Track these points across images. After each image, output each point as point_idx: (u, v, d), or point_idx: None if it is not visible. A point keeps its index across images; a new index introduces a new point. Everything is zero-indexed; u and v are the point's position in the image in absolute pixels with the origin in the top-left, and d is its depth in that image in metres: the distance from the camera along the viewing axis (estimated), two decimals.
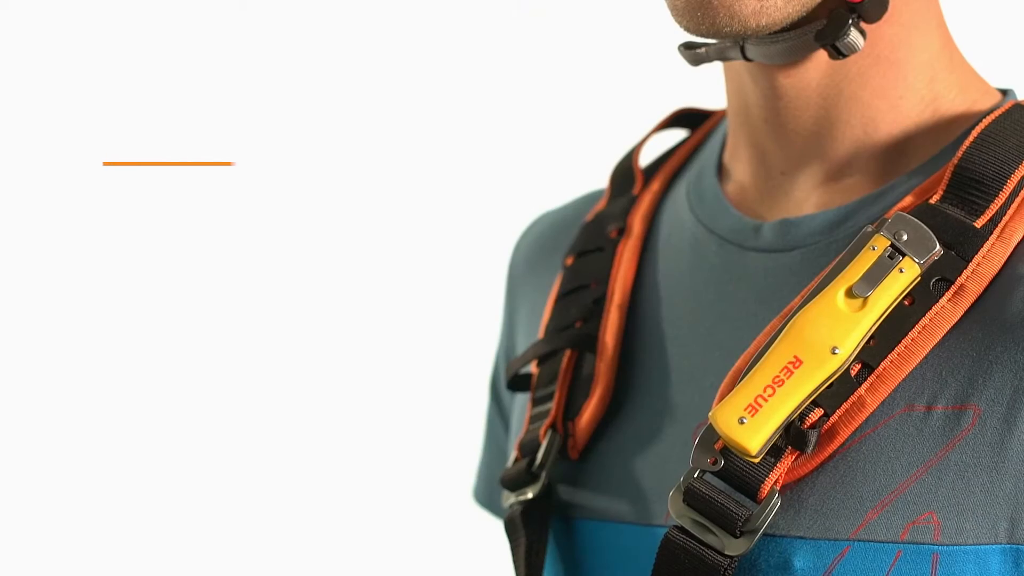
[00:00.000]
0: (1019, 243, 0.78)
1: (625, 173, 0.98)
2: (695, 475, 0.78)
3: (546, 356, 0.92)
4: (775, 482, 0.76)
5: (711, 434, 0.77)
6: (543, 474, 0.88)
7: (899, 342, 0.76)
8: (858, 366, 0.77)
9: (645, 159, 1.00)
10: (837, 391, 0.76)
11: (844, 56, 0.80)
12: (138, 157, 1.28)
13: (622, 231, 0.94)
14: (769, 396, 0.75)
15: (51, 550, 1.72)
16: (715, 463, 0.77)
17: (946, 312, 0.76)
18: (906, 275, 0.77)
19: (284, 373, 1.75)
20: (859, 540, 0.75)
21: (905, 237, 0.77)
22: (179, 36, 1.66)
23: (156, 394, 1.73)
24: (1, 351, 1.70)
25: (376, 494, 1.76)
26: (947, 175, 0.79)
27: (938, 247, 0.77)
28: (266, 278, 1.71)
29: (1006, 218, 0.77)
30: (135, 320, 1.71)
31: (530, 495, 0.88)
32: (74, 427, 1.71)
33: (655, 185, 0.96)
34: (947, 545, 0.74)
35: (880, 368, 0.76)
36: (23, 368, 1.70)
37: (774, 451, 0.76)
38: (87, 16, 1.64)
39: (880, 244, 0.77)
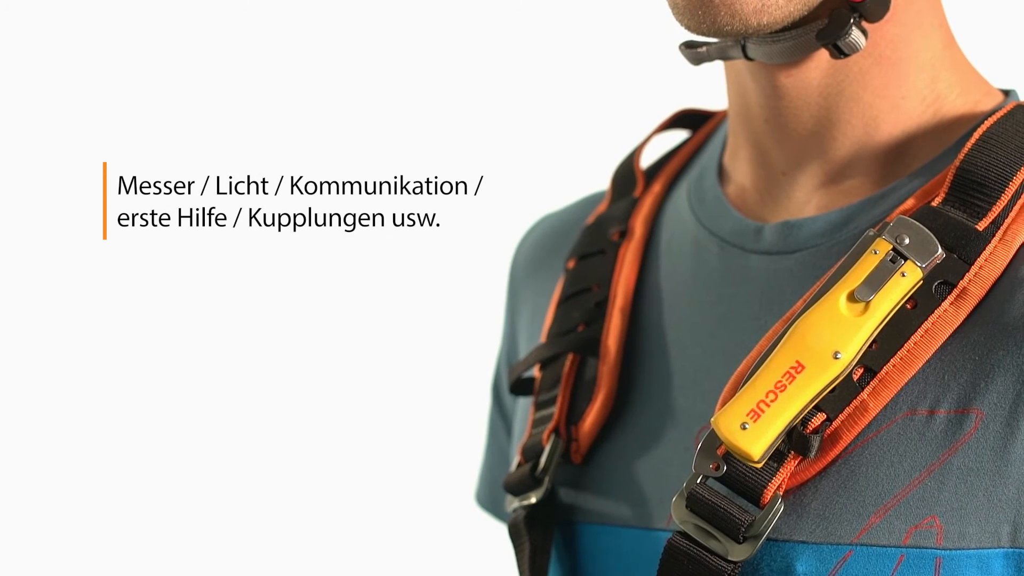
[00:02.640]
0: (1021, 246, 0.77)
1: (626, 175, 0.98)
2: (698, 480, 0.78)
3: (548, 360, 0.92)
4: (778, 487, 0.76)
5: (713, 439, 0.77)
6: (546, 479, 0.88)
7: (901, 346, 0.76)
8: (860, 370, 0.76)
9: (646, 160, 1.00)
10: (839, 396, 0.76)
11: (845, 55, 0.80)
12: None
13: (624, 234, 0.94)
14: (771, 401, 0.75)
15: (51, 550, 1.72)
16: (718, 468, 0.77)
17: (948, 316, 0.76)
18: (908, 279, 0.76)
19: (287, 377, 1.74)
20: (862, 544, 0.75)
21: (907, 241, 0.77)
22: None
23: (158, 396, 1.73)
24: (3, 352, 1.70)
25: (379, 497, 1.76)
26: (949, 177, 0.78)
27: (940, 250, 0.77)
28: (267, 281, 1.71)
29: (1008, 220, 0.77)
30: (136, 321, 1.71)
31: (533, 500, 0.88)
32: (74, 429, 1.72)
33: (656, 187, 0.96)
34: (950, 549, 0.74)
35: (882, 372, 0.76)
36: (24, 371, 1.70)
37: (777, 456, 0.76)
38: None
39: (882, 248, 0.77)
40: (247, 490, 1.75)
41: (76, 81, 1.66)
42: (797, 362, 0.76)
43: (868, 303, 0.76)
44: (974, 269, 0.76)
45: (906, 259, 0.76)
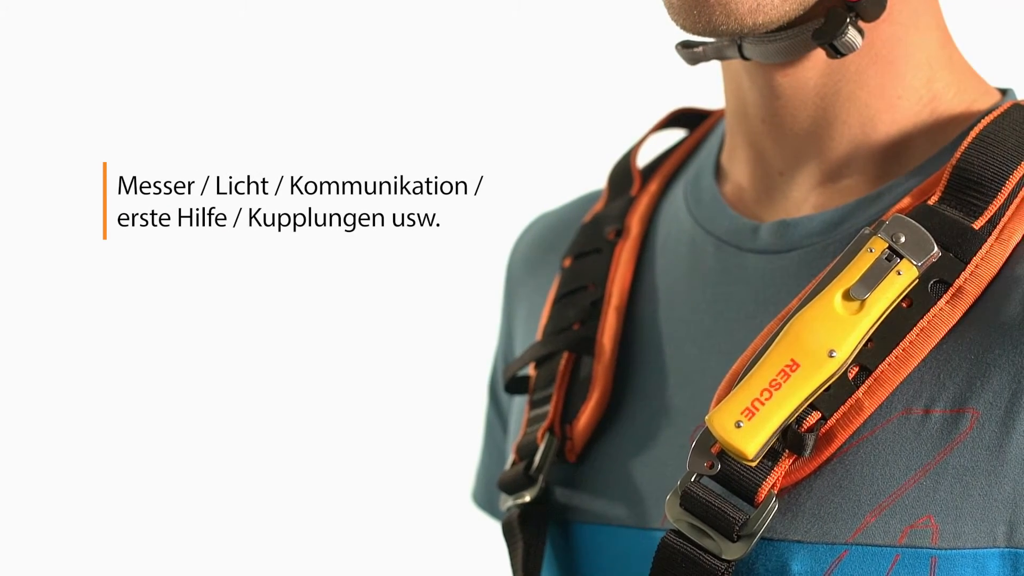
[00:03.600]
0: (1017, 245, 0.77)
1: (623, 174, 0.98)
2: (692, 479, 0.77)
3: (544, 358, 0.92)
4: (772, 486, 0.76)
5: (708, 437, 0.77)
6: (541, 477, 0.88)
7: (897, 345, 0.76)
8: (856, 369, 0.76)
9: (643, 159, 1.00)
10: (835, 394, 0.76)
11: (842, 55, 0.80)
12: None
13: (620, 232, 0.93)
14: (766, 400, 0.75)
15: (51, 550, 1.72)
16: (712, 467, 0.77)
17: (944, 314, 0.76)
18: (904, 277, 0.76)
19: (286, 376, 1.74)
20: (857, 544, 0.75)
21: (903, 239, 0.77)
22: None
23: (158, 395, 1.73)
24: (4, 352, 1.70)
25: (376, 496, 1.76)
26: (945, 176, 0.78)
27: (936, 249, 0.76)
28: (267, 281, 1.71)
29: (1004, 219, 0.77)
30: (136, 321, 1.71)
31: (528, 498, 0.88)
32: (75, 429, 1.72)
33: (653, 186, 0.96)
34: (945, 549, 0.73)
35: (878, 371, 0.76)
36: (25, 370, 1.70)
37: (771, 455, 0.76)
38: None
39: (878, 246, 0.77)
40: (246, 489, 1.75)
41: (76, 81, 1.66)
42: (792, 360, 0.75)
43: (863, 301, 0.76)
44: (970, 268, 0.76)
45: (902, 257, 0.76)
